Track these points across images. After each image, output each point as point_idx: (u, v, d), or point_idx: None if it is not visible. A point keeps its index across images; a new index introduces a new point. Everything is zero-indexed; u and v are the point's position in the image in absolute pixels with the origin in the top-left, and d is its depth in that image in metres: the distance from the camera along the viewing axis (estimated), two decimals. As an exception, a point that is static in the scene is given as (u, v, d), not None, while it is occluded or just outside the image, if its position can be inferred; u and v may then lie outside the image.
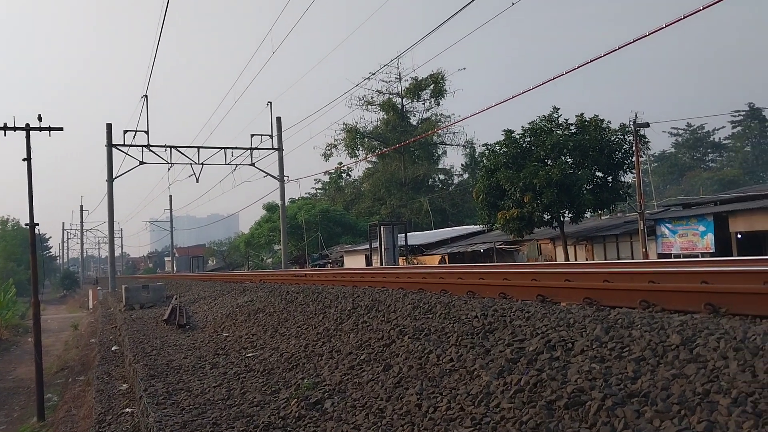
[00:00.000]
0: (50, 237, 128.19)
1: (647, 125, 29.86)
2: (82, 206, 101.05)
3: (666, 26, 14.82)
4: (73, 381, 17.55)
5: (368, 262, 44.45)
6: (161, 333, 15.36)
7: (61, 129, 20.86)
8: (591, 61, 16.92)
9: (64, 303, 70.30)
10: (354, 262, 49.40)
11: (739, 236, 25.93)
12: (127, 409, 9.10)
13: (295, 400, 6.17)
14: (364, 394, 5.84)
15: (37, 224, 19.37)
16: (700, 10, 13.93)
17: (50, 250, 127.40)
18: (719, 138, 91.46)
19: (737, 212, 25.89)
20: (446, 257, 40.24)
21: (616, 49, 16.09)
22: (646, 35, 15.28)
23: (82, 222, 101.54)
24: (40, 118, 20.06)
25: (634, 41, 15.57)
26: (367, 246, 43.99)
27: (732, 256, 24.09)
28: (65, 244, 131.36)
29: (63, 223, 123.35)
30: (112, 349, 16.25)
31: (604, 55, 16.58)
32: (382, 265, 36.04)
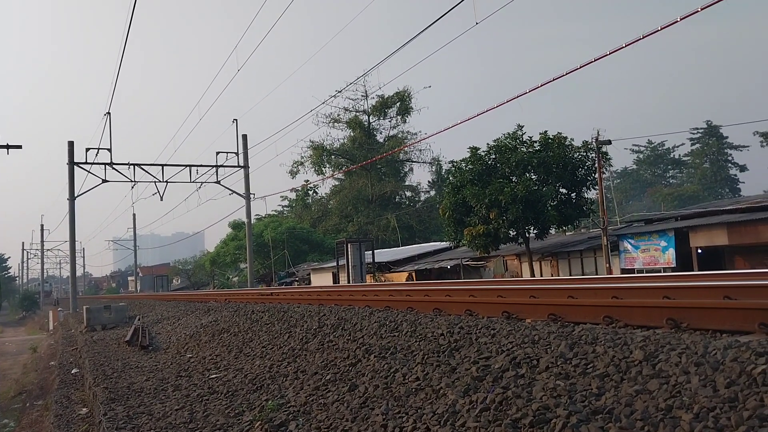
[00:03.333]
0: (9, 257, 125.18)
1: (609, 142, 30.45)
2: (42, 225, 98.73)
3: (626, 45, 15.15)
4: (31, 405, 17.00)
5: (335, 279, 44.24)
6: (123, 354, 15.02)
7: (19, 147, 20.47)
8: (554, 80, 17.21)
9: (23, 325, 68.42)
10: (321, 279, 49.12)
11: (699, 251, 26.45)
12: (86, 435, 8.84)
13: (259, 422, 6.06)
14: (330, 415, 5.75)
15: (-6, 244, 18.88)
16: (658, 30, 14.28)
17: (9, 271, 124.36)
18: (679, 155, 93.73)
19: (697, 227, 26.44)
20: (413, 274, 40.26)
21: (578, 68, 16.40)
22: (607, 54, 15.60)
23: (42, 241, 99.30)
24: (-3, 136, 19.62)
25: (595, 60, 15.89)
26: (335, 263, 43.83)
27: (693, 270, 24.56)
28: (25, 264, 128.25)
29: (23, 242, 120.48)
30: (72, 371, 15.81)
31: (567, 74, 16.88)
32: (349, 282, 35.90)
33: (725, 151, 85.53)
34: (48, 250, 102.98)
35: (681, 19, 13.84)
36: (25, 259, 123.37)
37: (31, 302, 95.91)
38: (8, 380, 23.82)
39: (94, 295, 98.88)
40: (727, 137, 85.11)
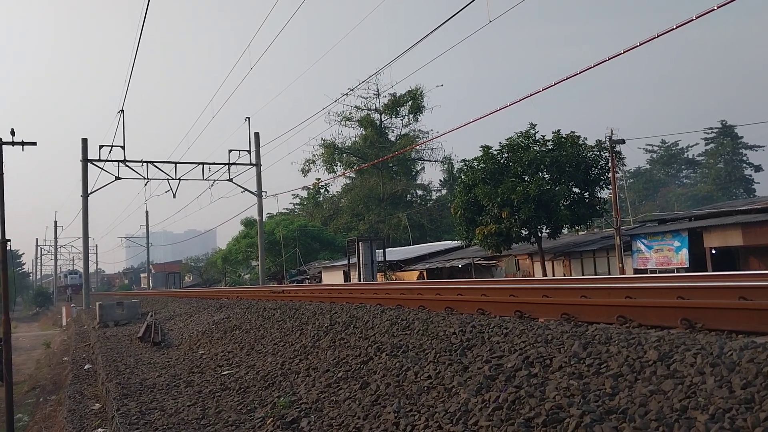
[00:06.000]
0: (23, 253, 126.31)
1: (623, 142, 30.24)
2: (56, 222, 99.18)
3: (640, 44, 15.03)
4: (45, 400, 17.17)
5: (346, 278, 44.27)
6: (135, 351, 15.11)
7: (34, 144, 20.62)
8: (567, 78, 17.10)
9: (37, 320, 69.06)
10: (332, 278, 49.18)
11: (713, 251, 26.24)
12: (99, 430, 8.90)
13: (271, 419, 6.07)
14: (341, 413, 5.76)
15: (9, 240, 19.03)
16: (673, 29, 14.17)
17: (23, 267, 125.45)
18: (693, 154, 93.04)
19: (711, 228, 26.22)
20: (425, 273, 40.20)
21: (591, 67, 16.29)
22: (621, 53, 15.49)
23: (56, 238, 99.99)
24: (13, 133, 19.77)
25: (609, 59, 15.77)
26: (346, 262, 43.85)
27: (707, 271, 24.37)
28: (38, 261, 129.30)
29: (36, 239, 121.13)
30: (85, 367, 15.94)
31: (580, 73, 16.77)
32: (360, 281, 35.91)
33: (740, 151, 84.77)
34: (61, 246, 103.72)
35: (696, 18, 13.72)
36: (38, 255, 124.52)
37: (44, 298, 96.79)
38: (22, 375, 24.05)
39: (106, 292, 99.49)
40: (742, 137, 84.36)
